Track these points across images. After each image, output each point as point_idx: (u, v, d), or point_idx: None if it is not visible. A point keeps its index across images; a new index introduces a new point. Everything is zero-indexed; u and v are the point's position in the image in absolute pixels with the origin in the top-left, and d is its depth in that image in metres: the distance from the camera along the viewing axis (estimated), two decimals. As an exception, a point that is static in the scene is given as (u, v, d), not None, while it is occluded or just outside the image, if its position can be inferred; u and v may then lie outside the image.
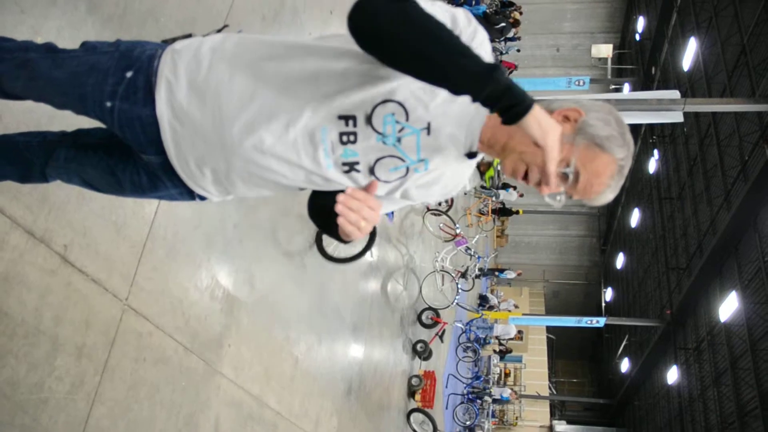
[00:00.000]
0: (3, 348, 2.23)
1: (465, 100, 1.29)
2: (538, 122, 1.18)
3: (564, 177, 1.34)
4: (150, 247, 3.07)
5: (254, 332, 4.28)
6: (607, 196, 1.37)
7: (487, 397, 15.55)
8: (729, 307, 14.49)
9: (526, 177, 1.36)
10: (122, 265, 2.88)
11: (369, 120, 1.33)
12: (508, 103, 1.16)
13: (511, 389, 23.74)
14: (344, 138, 1.36)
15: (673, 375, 19.75)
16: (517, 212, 24.21)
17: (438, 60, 1.15)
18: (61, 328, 2.49)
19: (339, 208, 1.26)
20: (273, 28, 4.49)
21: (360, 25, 1.19)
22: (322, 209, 1.52)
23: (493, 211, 22.18)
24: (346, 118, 1.34)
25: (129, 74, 1.39)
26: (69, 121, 1.91)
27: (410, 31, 1.15)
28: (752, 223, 13.32)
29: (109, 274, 2.77)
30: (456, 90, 1.18)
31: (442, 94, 1.30)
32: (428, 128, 1.35)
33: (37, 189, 2.34)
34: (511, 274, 21.76)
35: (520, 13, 16.45)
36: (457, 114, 1.35)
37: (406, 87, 1.30)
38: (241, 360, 4.05)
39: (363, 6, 1.17)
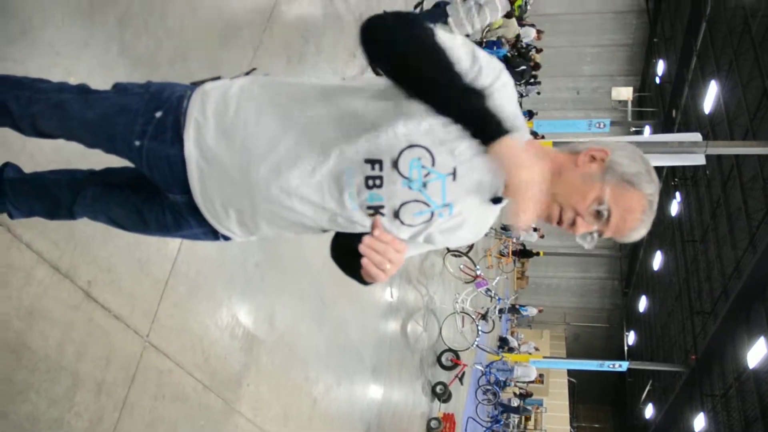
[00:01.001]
0: (24, 382, 2.24)
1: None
2: (514, 153, 1.18)
3: (597, 215, 1.35)
4: (172, 284, 3.09)
5: (273, 371, 4.25)
6: (641, 232, 1.39)
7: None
8: (757, 353, 14.07)
9: (560, 221, 1.38)
10: (144, 302, 2.90)
11: (395, 164, 1.34)
12: (482, 126, 1.19)
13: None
14: (370, 182, 1.36)
15: (700, 423, 19.16)
16: (538, 254, 24.05)
17: (426, 75, 1.20)
18: (82, 364, 2.50)
19: (363, 249, 1.26)
20: (297, 71, 4.57)
21: (370, 32, 1.23)
22: (346, 250, 1.52)
23: (514, 253, 22.06)
24: (372, 162, 1.34)
25: (158, 114, 1.42)
26: (97, 159, 1.95)
27: (407, 43, 1.20)
28: (779, 267, 13.07)
29: (131, 311, 2.79)
30: (439, 107, 1.21)
31: (467, 140, 1.30)
32: (454, 174, 1.35)
33: (64, 225, 2.38)
34: (532, 311, 21.46)
35: (539, 51, 16.56)
36: (483, 160, 1.34)
37: (431, 132, 1.31)
38: (260, 399, 4.02)
39: (374, 18, 1.23)
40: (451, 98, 1.20)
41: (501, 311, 15.93)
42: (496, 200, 1.44)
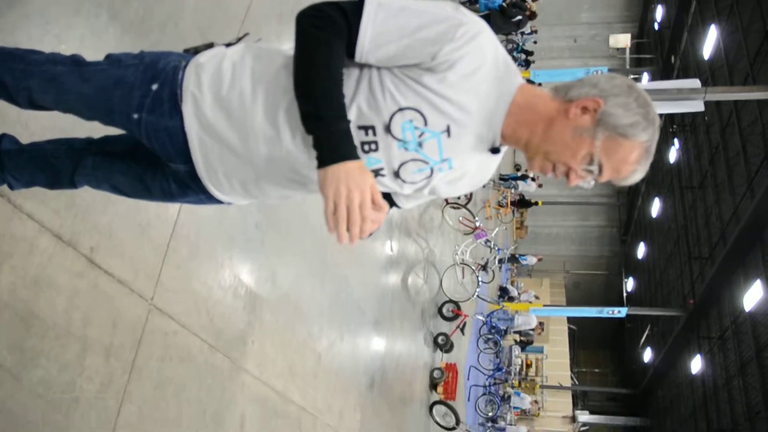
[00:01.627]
0: (35, 349, 2.28)
1: (486, 97, 1.34)
2: (331, 177, 1.23)
3: (590, 169, 1.35)
4: (174, 246, 3.12)
5: (277, 329, 4.32)
6: (637, 176, 1.39)
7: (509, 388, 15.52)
8: (754, 296, 14.28)
9: (554, 170, 1.39)
10: (147, 266, 2.93)
11: (388, 129, 1.35)
12: (318, 151, 1.26)
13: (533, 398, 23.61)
14: (366, 147, 1.38)
15: (696, 364, 19.59)
16: (536, 203, 24.09)
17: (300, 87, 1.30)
18: (90, 329, 2.54)
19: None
20: (291, 26, 4.50)
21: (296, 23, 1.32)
22: None
23: (512, 203, 22.11)
24: (365, 128, 1.36)
25: (154, 87, 1.42)
26: (93, 125, 1.94)
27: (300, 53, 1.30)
28: (776, 212, 13.13)
29: (134, 275, 2.82)
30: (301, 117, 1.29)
31: (453, 96, 1.32)
32: (448, 130, 1.37)
33: (64, 193, 2.39)
34: (531, 260, 21.60)
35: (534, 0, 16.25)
36: (477, 112, 1.36)
37: (419, 93, 1.32)
38: (265, 357, 4.09)
39: (301, 14, 1.31)
40: (305, 115, 1.28)
41: (501, 261, 16.07)
42: (495, 150, 1.46)
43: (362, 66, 1.37)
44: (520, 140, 1.40)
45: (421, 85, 1.31)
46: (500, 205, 19.82)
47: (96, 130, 1.82)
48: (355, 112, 1.35)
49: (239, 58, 1.45)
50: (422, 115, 1.33)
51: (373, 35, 1.29)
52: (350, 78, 1.36)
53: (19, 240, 2.21)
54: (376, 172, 1.43)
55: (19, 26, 2.23)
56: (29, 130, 2.18)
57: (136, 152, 1.68)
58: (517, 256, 22.73)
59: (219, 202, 1.64)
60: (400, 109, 1.33)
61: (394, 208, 1.69)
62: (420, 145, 1.38)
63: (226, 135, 1.41)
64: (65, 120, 2.27)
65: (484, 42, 1.32)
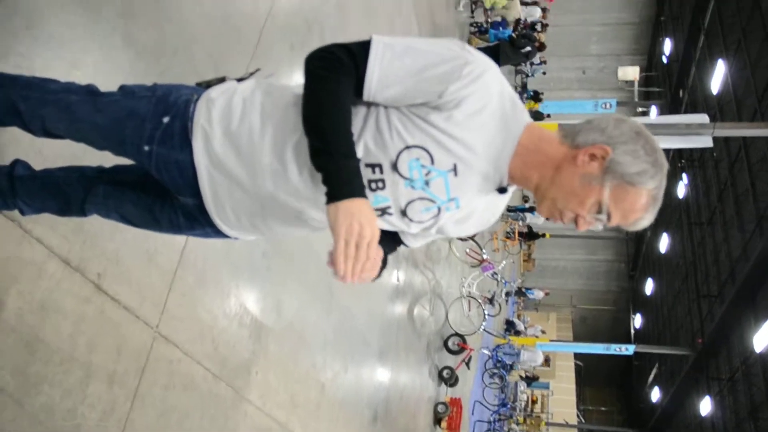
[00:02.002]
0: (39, 375, 2.27)
1: (492, 136, 1.33)
2: (343, 214, 1.22)
3: (598, 216, 1.35)
4: (180, 274, 3.12)
5: (281, 359, 4.29)
6: (645, 223, 1.38)
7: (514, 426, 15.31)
8: (764, 336, 14.07)
9: (562, 216, 1.39)
10: (153, 293, 2.93)
11: (395, 167, 1.35)
12: (328, 186, 1.25)
13: None
14: (373, 185, 1.38)
15: (706, 406, 19.23)
16: (544, 235, 24.05)
17: (311, 126, 1.30)
18: (94, 355, 2.53)
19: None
20: (300, 58, 4.55)
21: (306, 65, 1.34)
22: None
23: (520, 235, 22.07)
24: (372, 166, 1.37)
25: (166, 120, 1.44)
26: (104, 153, 1.96)
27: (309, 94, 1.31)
28: (786, 250, 13.03)
29: (140, 302, 2.82)
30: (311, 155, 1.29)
31: (459, 135, 1.32)
32: (455, 169, 1.36)
33: (73, 219, 2.40)
34: (539, 294, 21.45)
35: (544, 28, 16.41)
36: (483, 150, 1.36)
37: (424, 130, 1.32)
38: (268, 387, 4.06)
39: (310, 56, 1.34)
40: (315, 151, 1.27)
41: (507, 294, 15.97)
42: (502, 190, 1.45)
43: (370, 104, 1.38)
44: (529, 182, 1.40)
45: (427, 123, 1.31)
46: (508, 237, 19.77)
47: (107, 158, 1.84)
48: (363, 149, 1.35)
49: (250, 94, 1.46)
50: (429, 153, 1.33)
51: (380, 76, 1.30)
52: (358, 115, 1.37)
53: (28, 264, 2.22)
54: (383, 211, 1.43)
55: (34, 49, 2.26)
56: (42, 156, 2.20)
57: (146, 183, 1.69)
58: (524, 289, 22.60)
59: (226, 236, 1.65)
60: (407, 147, 1.33)
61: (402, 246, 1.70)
62: (427, 183, 1.38)
63: (235, 171, 1.42)
64: (78, 147, 2.29)
65: (490, 80, 1.32)
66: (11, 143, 2.12)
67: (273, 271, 4.21)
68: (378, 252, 1.26)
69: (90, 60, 2.54)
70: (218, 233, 1.63)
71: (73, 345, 2.42)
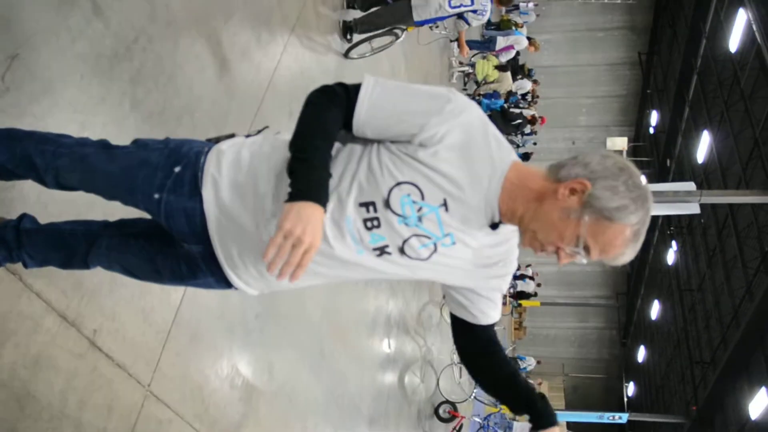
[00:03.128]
0: (28, 431, 2.25)
1: (478, 171, 1.40)
2: (296, 213, 1.28)
3: (576, 252, 1.38)
4: (174, 334, 3.12)
5: (272, 422, 4.23)
6: (625, 258, 1.39)
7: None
8: (759, 404, 13.90)
9: (543, 248, 1.42)
10: (147, 351, 2.92)
11: (387, 204, 1.41)
12: (293, 187, 1.32)
13: None
14: (368, 224, 1.44)
15: (703, 476, 18.80)
16: (536, 294, 24.10)
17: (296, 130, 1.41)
18: (85, 412, 2.51)
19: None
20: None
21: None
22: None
23: (511, 296, 22.12)
24: (366, 205, 1.42)
25: (177, 169, 1.50)
26: (106, 210, 2.02)
27: (301, 114, 1.42)
28: (777, 316, 13.04)
29: (134, 360, 2.81)
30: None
31: (445, 170, 1.39)
32: (445, 204, 1.41)
33: (73, 275, 2.43)
34: (530, 361, 21.13)
35: (534, 100, 16.78)
36: (469, 186, 1.41)
37: (412, 166, 1.39)
38: (258, 451, 3.99)
39: (312, 90, 1.46)
40: (291, 158, 1.35)
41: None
42: (494, 225, 1.49)
43: (364, 146, 1.46)
44: (515, 215, 1.44)
45: (416, 160, 1.38)
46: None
47: (112, 216, 1.90)
48: (357, 189, 1.42)
49: (258, 148, 1.55)
50: (419, 188, 1.39)
51: (368, 107, 1.40)
52: (353, 157, 1.45)
53: (26, 318, 2.23)
54: (382, 250, 1.47)
55: (48, 112, 2.36)
56: (47, 211, 2.25)
57: (150, 235, 1.74)
58: (516, 356, 22.37)
59: (227, 285, 1.68)
60: (398, 184, 1.39)
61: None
62: (420, 219, 1.43)
63: (241, 218, 1.48)
64: (82, 204, 2.37)
65: (471, 118, 1.40)
66: (18, 199, 2.18)
67: (266, 333, 4.20)
68: (308, 264, 1.31)
69: (99, 121, 2.63)
70: (220, 283, 1.66)
71: (64, 401, 2.41)
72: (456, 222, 1.44)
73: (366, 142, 1.47)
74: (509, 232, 1.55)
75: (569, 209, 1.36)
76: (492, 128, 1.44)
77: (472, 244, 1.51)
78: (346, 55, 6.07)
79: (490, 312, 1.66)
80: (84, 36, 2.57)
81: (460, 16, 6.42)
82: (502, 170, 1.42)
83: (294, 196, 1.30)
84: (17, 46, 2.24)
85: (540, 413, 1.60)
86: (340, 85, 1.43)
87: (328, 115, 1.39)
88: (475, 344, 1.69)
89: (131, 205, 1.58)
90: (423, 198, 1.40)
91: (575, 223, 1.35)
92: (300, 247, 1.27)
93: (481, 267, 1.57)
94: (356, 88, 1.42)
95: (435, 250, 1.48)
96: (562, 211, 1.37)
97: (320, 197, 1.31)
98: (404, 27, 6.37)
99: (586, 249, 1.36)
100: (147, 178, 1.51)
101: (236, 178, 1.49)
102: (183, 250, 1.63)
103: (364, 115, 1.41)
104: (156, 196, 1.50)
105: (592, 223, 1.34)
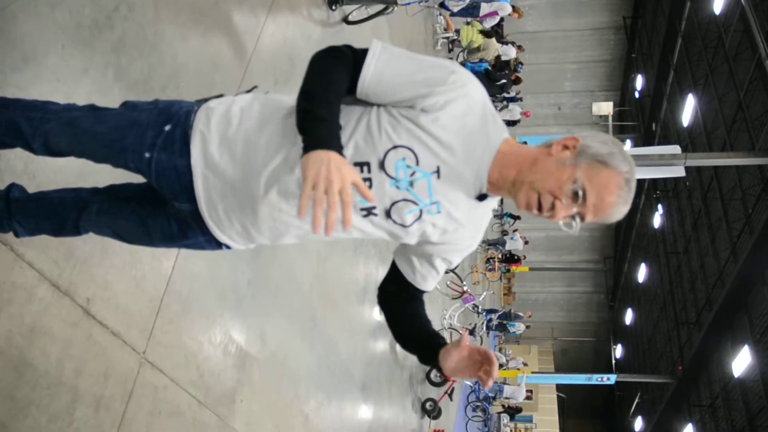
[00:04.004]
0: (26, 398, 2.29)
1: (473, 142, 1.44)
2: (314, 159, 1.25)
3: (574, 195, 1.39)
4: (167, 301, 3.15)
5: (265, 388, 4.30)
6: (620, 209, 1.42)
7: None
8: (742, 361, 14.25)
9: (540, 209, 1.43)
10: (140, 319, 2.96)
11: (382, 165, 1.44)
12: (305, 142, 1.30)
13: None
14: None
15: (688, 433, 19.30)
16: (525, 257, 24.32)
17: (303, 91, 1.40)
18: (81, 380, 2.55)
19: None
20: (285, 91, 4.68)
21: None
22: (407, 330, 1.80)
23: (500, 260, 22.30)
24: (361, 165, 1.45)
25: (167, 128, 1.52)
26: (96, 178, 2.03)
27: (308, 71, 1.43)
28: (760, 276, 13.27)
29: (128, 327, 2.85)
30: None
31: (443, 137, 1.42)
32: (438, 172, 1.45)
33: (64, 244, 2.45)
34: (520, 327, 21.31)
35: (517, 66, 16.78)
36: (462, 153, 1.45)
37: (411, 131, 1.42)
38: (253, 415, 4.06)
39: (318, 50, 1.46)
40: (301, 112, 1.36)
41: (489, 328, 15.97)
42: (482, 197, 1.53)
43: (364, 107, 1.48)
44: (507, 180, 1.47)
45: (416, 125, 1.41)
46: (489, 270, 19.90)
47: (99, 184, 1.92)
48: (353, 148, 1.44)
49: (247, 105, 1.57)
50: (414, 153, 1.43)
51: (374, 71, 1.43)
52: (352, 116, 1.47)
53: (19, 288, 2.25)
54: (369, 211, 1.51)
55: (31, 83, 2.34)
56: (36, 181, 2.26)
57: (140, 198, 1.76)
58: (505, 323, 22.65)
59: (217, 245, 1.70)
60: (395, 147, 1.42)
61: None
62: (411, 184, 1.46)
63: (229, 173, 1.51)
64: (70, 173, 2.38)
65: (473, 91, 1.45)
66: (6, 170, 2.19)
67: (257, 301, 4.24)
68: (349, 200, 1.25)
69: (83, 91, 2.62)
70: (210, 243, 1.69)
71: (60, 369, 2.44)
72: (446, 190, 1.48)
73: (366, 103, 1.49)
74: (487, 210, 1.61)
75: (564, 159, 1.42)
76: (489, 104, 1.49)
77: (456, 216, 1.55)
78: (345, 20, 6.13)
79: (429, 280, 1.73)
80: (63, 4, 2.54)
81: (441, 4, 6.50)
82: (495, 143, 1.48)
83: (308, 149, 1.27)
84: (-4, 15, 2.22)
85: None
86: (348, 47, 1.45)
87: (336, 73, 1.41)
88: (400, 295, 1.77)
89: (121, 167, 1.59)
90: (417, 163, 1.44)
91: (571, 168, 1.40)
92: (332, 188, 1.21)
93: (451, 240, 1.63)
94: (363, 51, 1.44)
95: (419, 216, 1.52)
96: (558, 162, 1.43)
97: (336, 146, 1.29)
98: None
99: (583, 193, 1.39)
100: (137, 137, 1.53)
101: (225, 133, 1.51)
102: (174, 209, 1.65)
103: (370, 79, 1.43)
104: (147, 155, 1.52)
105: (587, 168, 1.39)
